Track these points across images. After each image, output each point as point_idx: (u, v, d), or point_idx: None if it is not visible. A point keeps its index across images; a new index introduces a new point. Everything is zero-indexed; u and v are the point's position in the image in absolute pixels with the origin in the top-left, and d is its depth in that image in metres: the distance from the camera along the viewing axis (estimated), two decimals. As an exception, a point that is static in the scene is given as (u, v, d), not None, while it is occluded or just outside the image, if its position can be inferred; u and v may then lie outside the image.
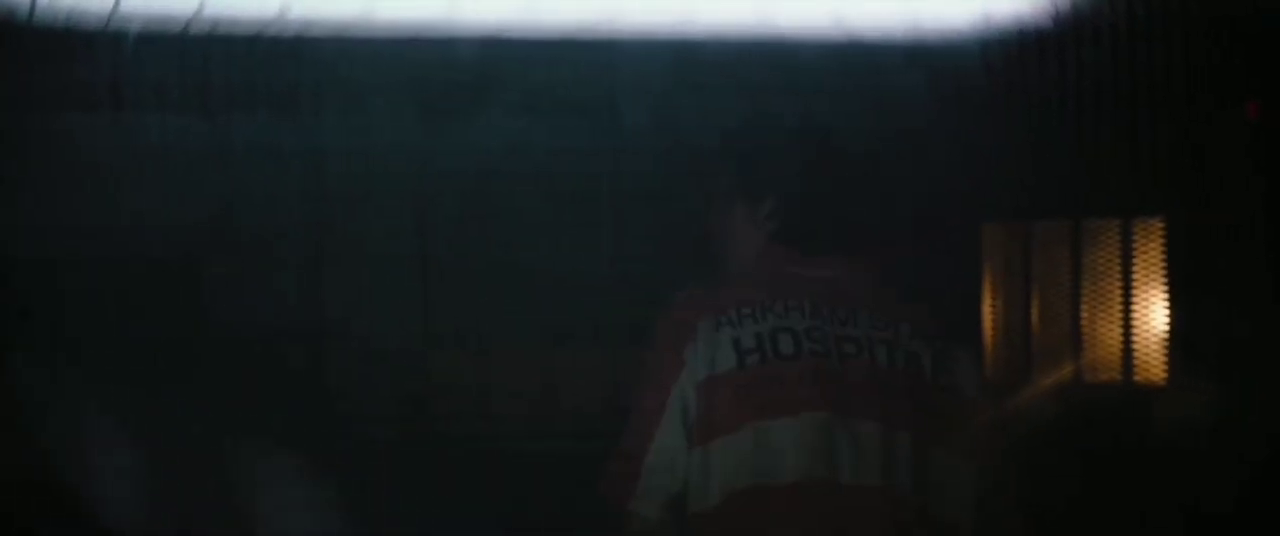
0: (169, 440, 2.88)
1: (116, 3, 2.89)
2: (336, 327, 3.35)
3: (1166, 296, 3.20)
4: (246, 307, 3.20)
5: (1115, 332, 3.29)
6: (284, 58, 3.03)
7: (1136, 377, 3.25)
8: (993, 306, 3.50)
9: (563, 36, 3.17)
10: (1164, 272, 3.20)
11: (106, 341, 2.97)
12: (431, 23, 3.02)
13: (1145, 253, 3.23)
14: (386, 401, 3.37)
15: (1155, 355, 3.23)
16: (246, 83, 3.03)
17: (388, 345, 3.37)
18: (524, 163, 3.37)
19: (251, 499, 2.84)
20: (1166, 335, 3.20)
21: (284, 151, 3.22)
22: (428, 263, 3.39)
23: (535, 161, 3.37)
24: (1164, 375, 3.21)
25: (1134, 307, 3.25)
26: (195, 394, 3.00)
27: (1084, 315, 3.33)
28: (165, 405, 2.90)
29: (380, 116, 3.27)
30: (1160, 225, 3.21)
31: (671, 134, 3.18)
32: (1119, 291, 3.27)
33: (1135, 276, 3.25)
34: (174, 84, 2.99)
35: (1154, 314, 3.22)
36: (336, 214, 3.36)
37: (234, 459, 2.89)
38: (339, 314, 3.34)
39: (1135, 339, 3.25)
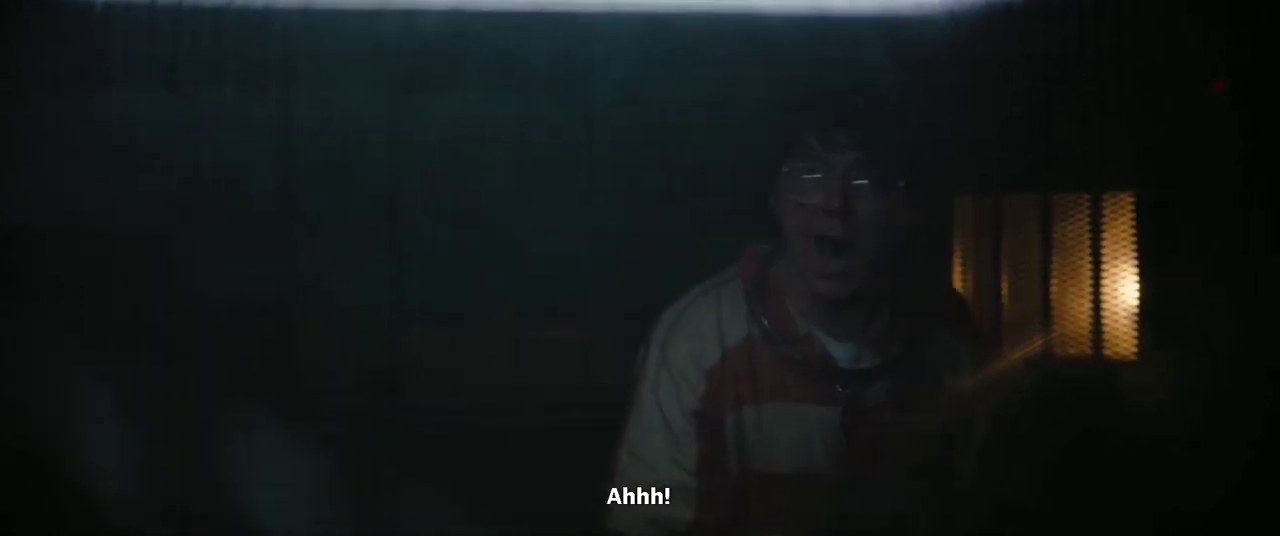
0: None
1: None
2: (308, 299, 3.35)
3: (1136, 270, 3.20)
4: (219, 280, 3.19)
5: (1086, 307, 3.29)
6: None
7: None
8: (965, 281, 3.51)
9: (529, 9, 3.17)
10: (1133, 247, 3.20)
11: (83, 314, 2.98)
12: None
13: (1114, 227, 3.24)
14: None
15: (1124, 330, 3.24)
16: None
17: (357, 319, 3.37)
18: (497, 136, 3.37)
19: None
20: (1135, 309, 3.21)
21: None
22: (397, 238, 3.38)
23: (509, 135, 3.37)
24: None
25: (1103, 282, 3.26)
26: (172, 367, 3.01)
27: (1054, 289, 3.34)
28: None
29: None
30: (1130, 199, 3.22)
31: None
32: (1088, 265, 3.28)
33: (1104, 250, 3.25)
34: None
35: (1123, 288, 3.23)
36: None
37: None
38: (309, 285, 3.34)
39: (1104, 313, 3.26)
